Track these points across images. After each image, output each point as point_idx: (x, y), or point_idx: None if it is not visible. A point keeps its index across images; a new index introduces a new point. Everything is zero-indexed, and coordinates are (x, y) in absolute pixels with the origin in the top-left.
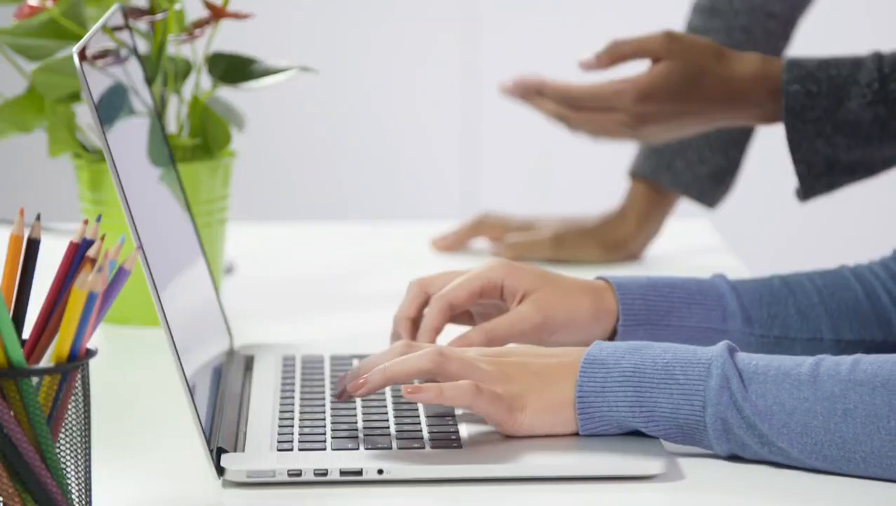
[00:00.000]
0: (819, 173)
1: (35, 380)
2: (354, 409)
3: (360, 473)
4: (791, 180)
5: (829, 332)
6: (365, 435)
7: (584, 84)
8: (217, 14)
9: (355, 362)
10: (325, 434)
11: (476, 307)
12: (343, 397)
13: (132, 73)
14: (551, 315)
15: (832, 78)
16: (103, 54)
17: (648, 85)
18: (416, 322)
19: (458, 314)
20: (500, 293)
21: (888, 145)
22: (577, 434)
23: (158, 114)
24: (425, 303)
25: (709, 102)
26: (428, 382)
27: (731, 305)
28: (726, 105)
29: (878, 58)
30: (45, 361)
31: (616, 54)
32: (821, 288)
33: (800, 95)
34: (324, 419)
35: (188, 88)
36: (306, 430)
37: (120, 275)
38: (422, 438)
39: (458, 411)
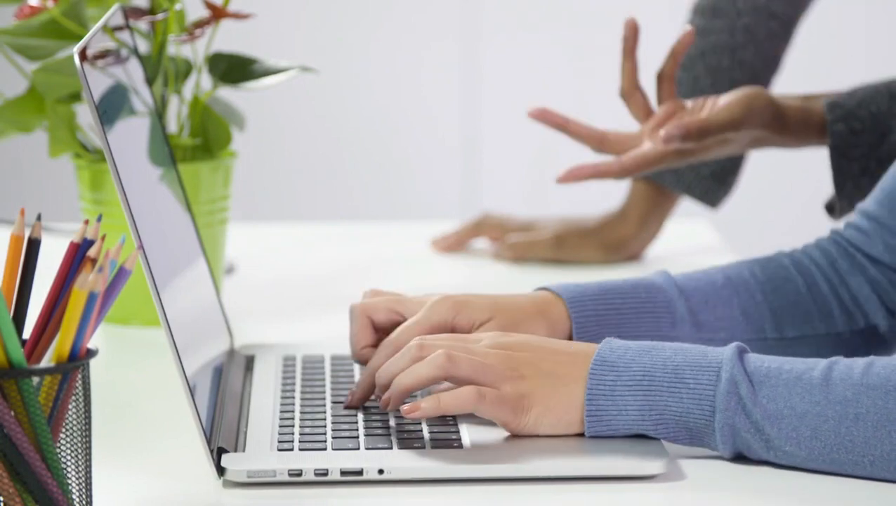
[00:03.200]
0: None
1: (35, 380)
2: (355, 409)
3: (360, 473)
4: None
5: (772, 330)
6: (365, 435)
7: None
8: (217, 14)
9: (357, 365)
10: (325, 434)
11: None
12: (352, 406)
13: (132, 73)
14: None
15: (874, 115)
16: (104, 54)
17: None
18: (375, 344)
19: None
20: (452, 330)
21: None
22: (578, 435)
23: (159, 114)
24: (373, 327)
25: (762, 146)
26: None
27: (679, 309)
28: (776, 143)
29: None
30: (46, 361)
31: (703, 135)
32: (763, 284)
33: (844, 134)
34: (324, 419)
35: (189, 88)
36: (307, 430)
37: (120, 275)
38: (422, 438)
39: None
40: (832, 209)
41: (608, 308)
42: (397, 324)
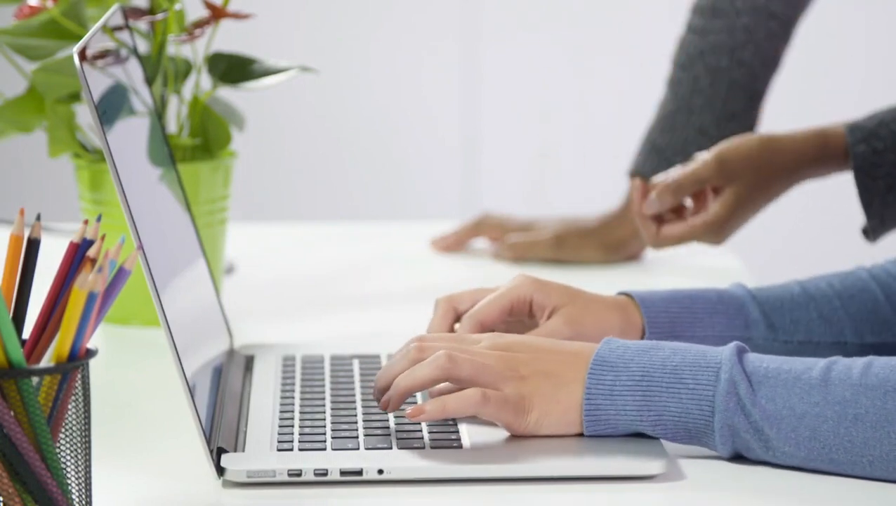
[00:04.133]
0: (893, 223)
1: (35, 380)
2: (354, 409)
3: (360, 473)
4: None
5: (852, 335)
6: (365, 435)
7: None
8: (217, 14)
9: (356, 363)
10: (325, 434)
11: (502, 324)
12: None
13: (132, 73)
14: (581, 330)
15: (894, 133)
16: (103, 54)
17: (724, 217)
18: None
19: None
20: (529, 309)
21: None
22: (579, 434)
23: (158, 114)
24: (455, 319)
25: (782, 190)
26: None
27: (752, 313)
28: (798, 179)
29: None
30: (45, 361)
31: (678, 193)
32: (840, 292)
33: (867, 154)
34: (324, 419)
35: (188, 88)
36: (306, 430)
37: (120, 275)
38: (422, 438)
39: None
40: (867, 232)
41: (680, 308)
42: None
